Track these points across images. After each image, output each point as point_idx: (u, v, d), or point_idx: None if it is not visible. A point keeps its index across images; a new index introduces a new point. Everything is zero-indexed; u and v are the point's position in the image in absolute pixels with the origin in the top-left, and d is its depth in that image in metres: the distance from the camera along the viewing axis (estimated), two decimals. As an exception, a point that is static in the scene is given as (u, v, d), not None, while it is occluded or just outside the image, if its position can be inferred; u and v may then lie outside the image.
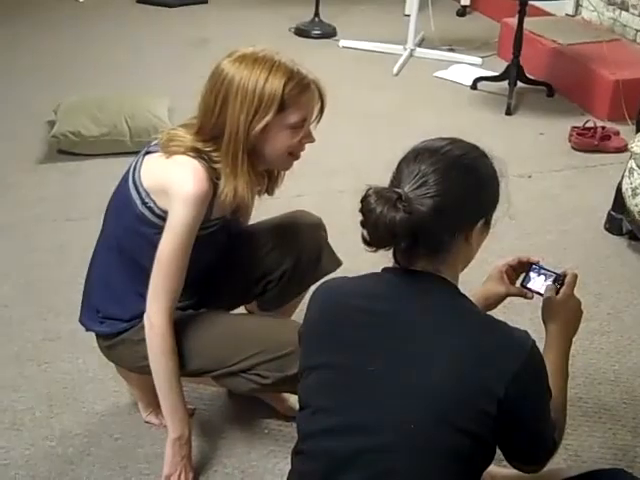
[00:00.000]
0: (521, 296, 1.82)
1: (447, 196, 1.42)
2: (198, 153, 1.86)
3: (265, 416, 2.25)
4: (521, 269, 1.83)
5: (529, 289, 1.79)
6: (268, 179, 2.03)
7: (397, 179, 1.47)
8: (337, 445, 1.44)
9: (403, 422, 1.39)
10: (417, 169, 1.45)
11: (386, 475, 1.40)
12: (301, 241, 2.17)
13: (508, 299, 1.85)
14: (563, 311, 1.71)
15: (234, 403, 2.30)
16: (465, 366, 1.39)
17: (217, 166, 1.86)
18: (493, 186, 1.53)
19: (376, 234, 1.43)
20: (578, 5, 5.14)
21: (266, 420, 2.24)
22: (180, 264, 1.87)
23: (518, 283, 1.82)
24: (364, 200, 1.43)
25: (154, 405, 2.14)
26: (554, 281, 1.75)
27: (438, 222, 1.42)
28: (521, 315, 2.36)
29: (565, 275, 1.75)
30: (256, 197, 2.06)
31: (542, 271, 1.78)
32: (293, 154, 1.92)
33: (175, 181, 1.84)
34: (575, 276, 1.74)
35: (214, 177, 1.86)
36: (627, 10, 4.80)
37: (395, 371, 1.42)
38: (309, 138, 1.91)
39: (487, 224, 1.53)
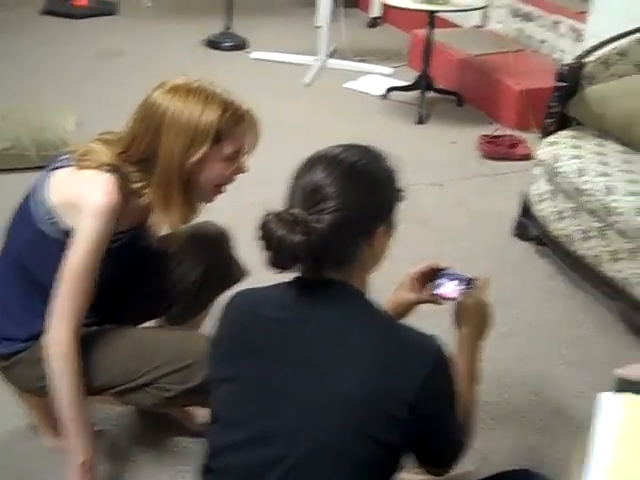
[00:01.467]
0: (432, 302, 1.83)
1: (345, 208, 1.40)
2: (114, 169, 1.80)
3: (174, 434, 2.20)
4: (432, 275, 1.83)
5: (440, 295, 1.79)
6: None
7: (292, 196, 1.45)
8: (247, 459, 1.41)
9: (312, 432, 1.38)
10: (312, 182, 1.43)
11: None
12: (207, 253, 2.13)
13: (421, 305, 1.85)
14: (474, 315, 1.72)
15: (142, 422, 2.24)
16: (372, 373, 1.38)
17: (135, 186, 1.81)
18: (391, 187, 1.52)
19: (278, 258, 1.41)
20: (485, 17, 5.24)
21: (176, 438, 2.19)
22: (87, 281, 1.80)
23: (429, 289, 1.82)
24: (263, 226, 1.41)
25: (55, 428, 2.07)
26: (465, 286, 1.75)
27: (339, 236, 1.41)
28: (433, 320, 2.36)
29: (476, 280, 1.76)
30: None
31: (453, 277, 1.79)
32: (221, 187, 1.89)
33: (84, 194, 1.78)
34: (486, 281, 1.76)
35: (126, 191, 1.81)
36: (532, 21, 4.91)
37: (302, 381, 1.41)
38: (241, 170, 1.89)
39: (390, 226, 1.52)
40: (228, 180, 1.88)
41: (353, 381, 1.38)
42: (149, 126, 1.78)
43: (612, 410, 1.52)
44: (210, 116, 1.76)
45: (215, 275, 2.12)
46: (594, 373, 2.45)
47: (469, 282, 1.76)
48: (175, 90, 1.78)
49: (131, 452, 2.14)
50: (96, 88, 4.58)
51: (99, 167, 1.79)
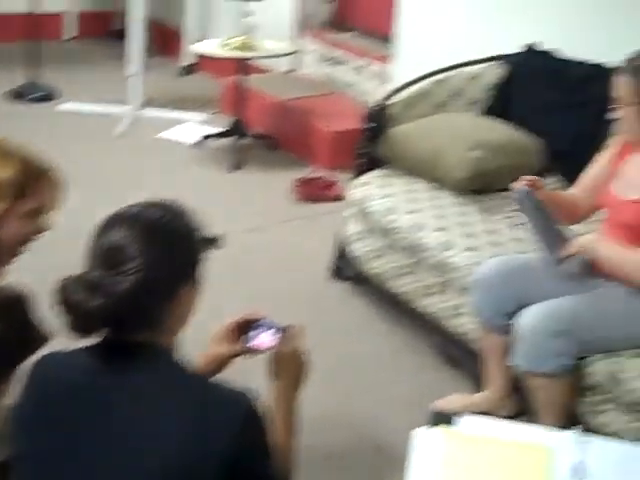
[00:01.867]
0: (248, 354, 1.79)
1: (147, 269, 1.37)
2: None
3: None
4: (247, 326, 1.80)
5: (255, 346, 1.76)
6: None
7: (92, 258, 1.40)
8: None
9: None
10: (112, 242, 1.39)
11: None
12: (4, 317, 1.99)
13: (238, 358, 1.80)
14: (289, 365, 1.71)
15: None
16: (180, 437, 1.34)
17: None
18: (195, 244, 1.49)
19: (79, 323, 1.37)
20: (296, 61, 5.33)
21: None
22: None
23: (245, 341, 1.79)
24: (61, 290, 1.36)
25: None
26: (280, 335, 1.73)
27: (142, 298, 1.37)
28: (250, 373, 2.32)
29: (291, 328, 1.74)
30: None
31: (268, 327, 1.76)
32: (23, 243, 1.82)
33: None
34: (300, 329, 1.75)
35: None
36: (340, 65, 5.04)
37: (109, 451, 1.34)
38: (44, 227, 1.83)
39: (195, 283, 1.49)
40: (29, 239, 1.82)
41: (161, 448, 1.33)
42: None
43: (427, 444, 1.56)
44: (8, 173, 1.71)
45: (14, 340, 1.98)
46: (415, 409, 2.47)
47: (284, 331, 1.74)
48: None
49: None
50: None
51: None
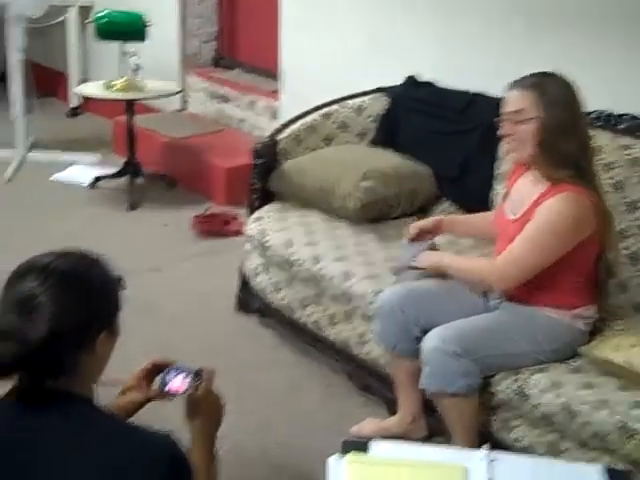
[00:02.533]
0: (162, 399, 1.80)
1: (60, 315, 1.37)
2: None
3: None
4: (158, 371, 1.81)
5: (169, 391, 1.77)
6: None
7: (3, 306, 1.39)
8: None
9: None
10: (24, 291, 1.38)
11: None
12: None
13: (151, 403, 1.82)
14: (205, 407, 1.72)
15: None
16: None
17: None
18: (110, 293, 1.50)
19: None
20: (184, 100, 5.36)
21: None
22: None
23: (157, 386, 1.80)
24: None
25: None
26: (193, 378, 1.75)
27: (56, 345, 1.36)
28: (166, 417, 2.33)
29: (202, 371, 1.76)
30: None
31: (179, 371, 1.77)
32: None
33: None
34: (212, 371, 1.77)
35: None
36: (229, 102, 5.10)
37: None
38: None
39: (112, 331, 1.50)
40: None
41: None
42: None
43: (339, 472, 1.60)
44: None
45: None
46: (331, 435, 2.51)
47: (196, 374, 1.75)
48: None
49: None
50: None
51: None
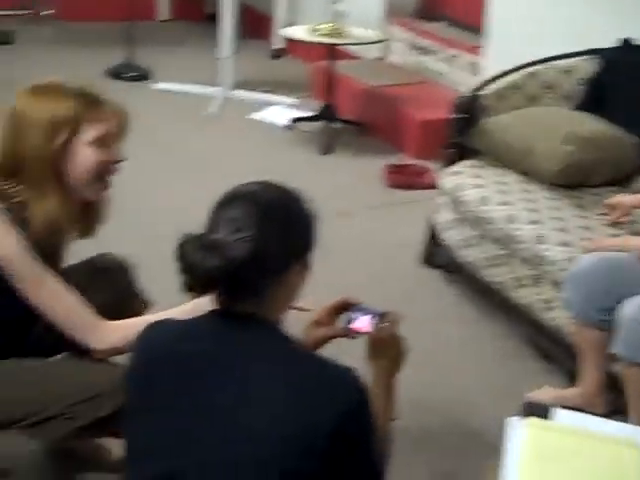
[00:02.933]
0: (345, 336, 1.84)
1: (262, 241, 1.43)
2: None
3: (89, 470, 2.15)
4: (344, 310, 1.84)
5: (354, 329, 1.80)
6: (86, 218, 1.96)
7: (212, 225, 1.47)
8: None
9: (227, 467, 1.37)
10: (231, 214, 1.45)
11: None
12: (106, 285, 2.10)
13: (335, 340, 1.86)
14: (388, 349, 1.75)
15: (54, 461, 2.18)
16: (291, 406, 1.39)
17: (17, 199, 1.81)
18: (308, 227, 1.55)
19: (195, 281, 1.43)
20: (385, 49, 5.37)
21: (90, 477, 2.15)
22: (55, 282, 1.80)
23: (342, 324, 1.84)
24: (180, 248, 1.43)
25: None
26: (378, 319, 1.77)
27: (254, 267, 1.43)
28: (348, 355, 2.40)
29: (388, 314, 1.78)
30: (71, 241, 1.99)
31: (365, 311, 1.80)
32: (101, 178, 1.89)
33: None
34: (397, 316, 1.79)
35: (17, 210, 1.80)
36: (430, 54, 5.07)
37: (217, 415, 1.41)
38: (115, 157, 1.90)
39: (305, 266, 1.55)
40: (105, 170, 1.89)
41: (273, 416, 1.38)
42: (11, 132, 1.82)
43: (520, 434, 1.59)
44: (65, 105, 1.82)
45: (115, 308, 2.05)
46: (506, 397, 2.52)
47: (382, 316, 1.78)
48: (32, 91, 1.86)
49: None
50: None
51: None
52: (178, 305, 1.83)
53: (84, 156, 1.84)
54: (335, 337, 1.85)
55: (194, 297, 1.49)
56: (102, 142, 1.85)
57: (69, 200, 1.86)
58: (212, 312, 1.50)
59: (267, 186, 1.52)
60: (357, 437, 1.45)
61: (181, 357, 1.47)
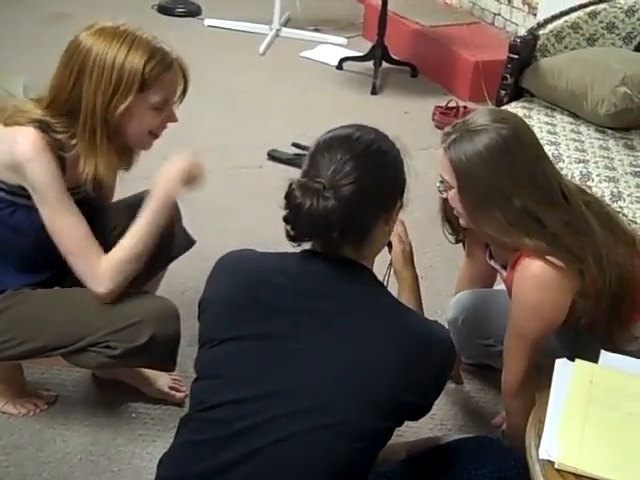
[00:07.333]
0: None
1: (368, 181, 1.44)
2: (36, 122, 1.76)
3: (132, 400, 2.19)
4: None
5: None
6: (126, 155, 1.94)
7: (314, 170, 1.46)
8: (252, 414, 1.39)
9: (323, 403, 1.38)
10: (332, 158, 1.45)
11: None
12: None
13: None
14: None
15: (99, 388, 2.23)
16: (394, 357, 1.41)
17: (60, 136, 1.79)
18: (401, 168, 1.56)
19: (308, 227, 1.42)
20: (439, -12, 5.26)
21: (133, 404, 2.18)
22: (76, 215, 1.80)
23: None
24: (289, 195, 1.42)
25: (9, 394, 2.04)
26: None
27: (363, 207, 1.44)
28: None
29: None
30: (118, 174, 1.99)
31: None
32: (154, 134, 1.87)
33: (9, 151, 1.75)
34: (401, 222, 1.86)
35: (52, 142, 1.77)
36: (486, -6, 4.94)
37: (317, 353, 1.42)
38: (171, 118, 1.87)
39: (400, 206, 1.56)
40: (160, 128, 1.87)
41: (376, 363, 1.40)
42: (72, 69, 1.75)
43: (565, 372, 1.59)
44: (135, 62, 1.74)
45: (159, 244, 2.02)
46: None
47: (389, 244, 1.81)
48: (101, 32, 1.77)
49: (87, 418, 2.13)
50: (44, 53, 4.44)
51: (25, 123, 1.76)
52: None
53: (144, 118, 1.80)
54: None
55: (296, 246, 1.48)
56: (164, 105, 1.82)
57: (119, 156, 1.85)
58: (313, 253, 1.50)
59: (360, 128, 1.53)
60: (441, 386, 1.52)
61: (282, 292, 1.47)
